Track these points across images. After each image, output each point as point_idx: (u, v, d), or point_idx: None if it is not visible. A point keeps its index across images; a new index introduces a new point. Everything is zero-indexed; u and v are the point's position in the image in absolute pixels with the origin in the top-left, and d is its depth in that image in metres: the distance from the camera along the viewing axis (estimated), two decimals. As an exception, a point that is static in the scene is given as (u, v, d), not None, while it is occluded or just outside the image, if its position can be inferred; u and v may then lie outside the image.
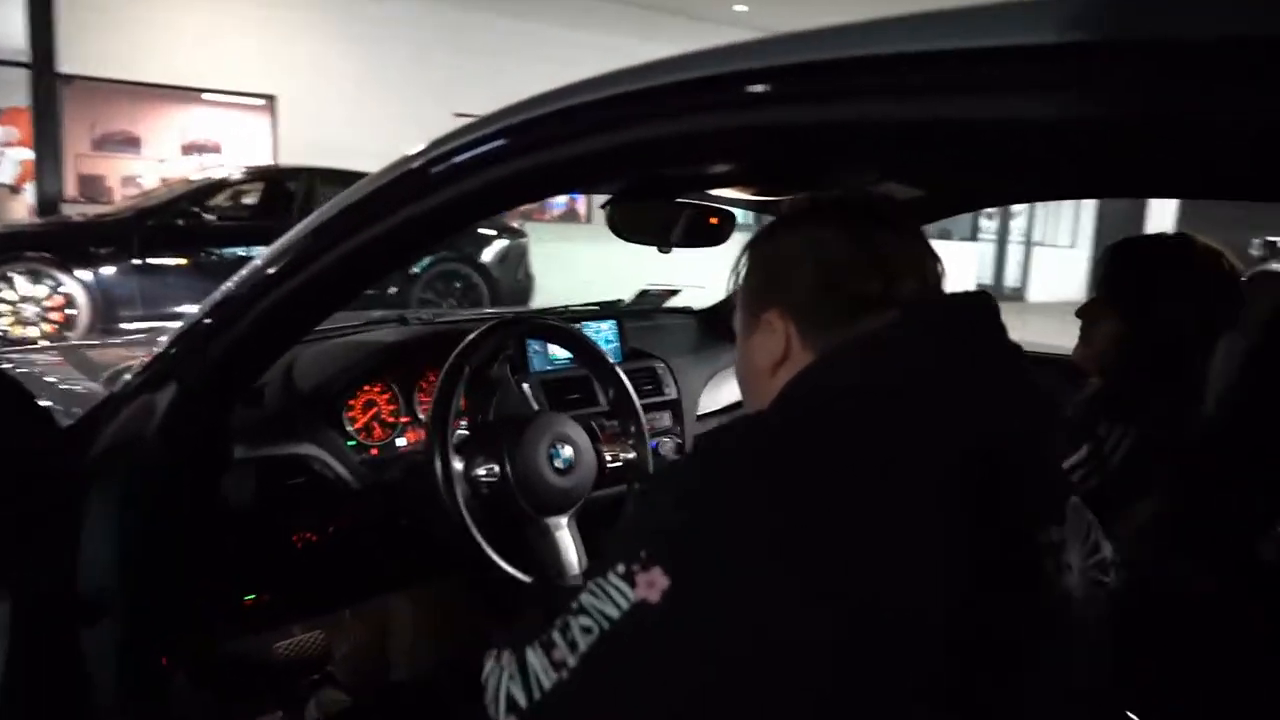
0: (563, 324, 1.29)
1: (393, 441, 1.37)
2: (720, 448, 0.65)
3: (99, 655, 1.14)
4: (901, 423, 0.62)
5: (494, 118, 0.80)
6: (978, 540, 0.61)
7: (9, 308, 5.45)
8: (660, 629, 0.60)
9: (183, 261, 5.94)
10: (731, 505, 0.61)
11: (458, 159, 0.82)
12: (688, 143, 0.70)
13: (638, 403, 1.33)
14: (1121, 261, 1.37)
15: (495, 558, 1.09)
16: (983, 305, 0.72)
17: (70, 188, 9.21)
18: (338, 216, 0.91)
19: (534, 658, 0.65)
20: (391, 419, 1.38)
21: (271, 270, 0.96)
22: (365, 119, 9.32)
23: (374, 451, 1.35)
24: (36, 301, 5.53)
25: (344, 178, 6.75)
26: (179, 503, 1.12)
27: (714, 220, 1.55)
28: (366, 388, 1.37)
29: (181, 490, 1.12)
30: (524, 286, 7.45)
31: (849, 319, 0.71)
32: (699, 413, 1.82)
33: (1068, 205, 14.77)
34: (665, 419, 1.75)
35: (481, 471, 1.13)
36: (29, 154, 8.59)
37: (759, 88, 0.62)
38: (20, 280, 5.49)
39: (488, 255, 7.08)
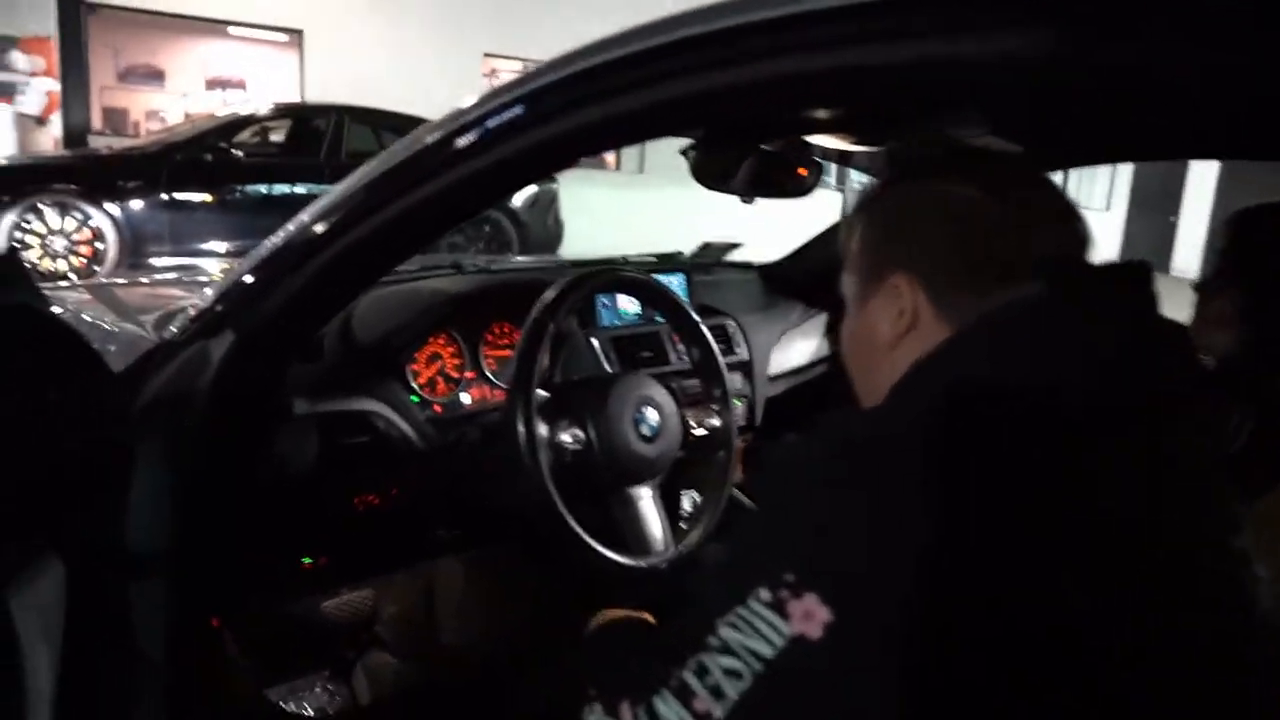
0: (644, 277, 1.18)
1: (457, 398, 1.28)
2: (863, 443, 0.56)
3: (148, 612, 1.08)
4: (1066, 423, 0.53)
5: (554, 65, 0.74)
6: (1161, 550, 0.54)
7: (37, 240, 5.38)
8: (826, 669, 0.51)
9: (209, 198, 5.84)
10: (890, 517, 0.52)
11: (515, 111, 0.75)
12: (766, 89, 0.63)
13: (723, 364, 1.23)
14: (1246, 231, 1.24)
15: (580, 531, 1.00)
16: (1139, 277, 0.62)
17: (96, 120, 9.10)
18: (396, 170, 0.83)
19: (667, 709, 0.56)
20: (456, 374, 1.28)
21: (327, 224, 0.87)
22: (394, 57, 9.12)
23: (437, 408, 1.26)
24: (65, 235, 5.46)
25: (373, 116, 6.61)
26: (233, 459, 1.04)
27: (802, 170, 1.43)
28: (431, 340, 1.27)
29: (236, 446, 1.03)
30: (554, 234, 7.32)
31: (988, 286, 0.62)
32: (770, 373, 1.72)
33: (1102, 167, 14.36)
34: (736, 381, 1.64)
35: (566, 437, 1.03)
36: (54, 84, 8.46)
37: (849, 25, 0.56)
38: (49, 212, 5.41)
39: (518, 200, 6.94)
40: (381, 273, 0.94)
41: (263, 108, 6.64)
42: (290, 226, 0.94)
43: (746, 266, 2.09)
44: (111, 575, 0.98)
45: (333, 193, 0.90)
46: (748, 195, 1.43)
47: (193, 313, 1.03)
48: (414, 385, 1.24)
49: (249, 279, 0.98)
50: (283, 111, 6.72)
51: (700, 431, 1.19)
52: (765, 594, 0.53)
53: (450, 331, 1.28)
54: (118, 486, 0.97)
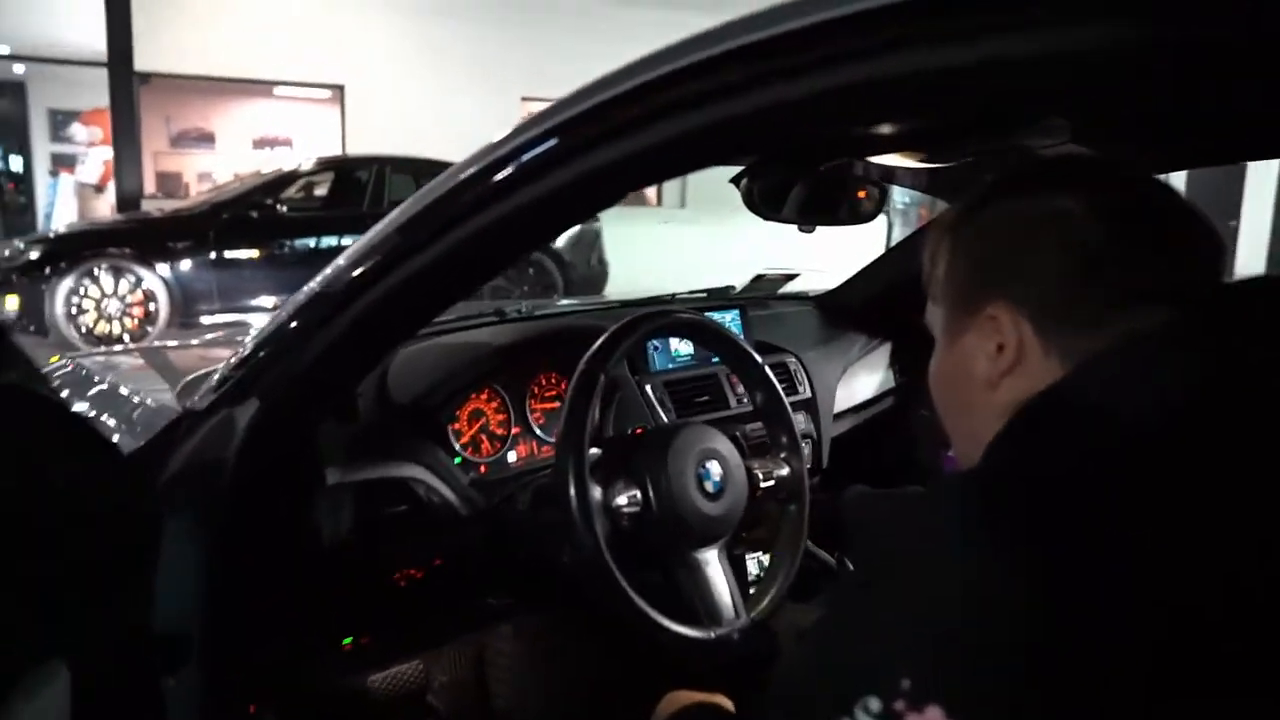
0: (700, 317, 1.09)
1: (503, 457, 1.19)
2: (977, 509, 0.47)
3: (182, 706, 1.00)
4: (1213, 478, 0.45)
5: (588, 91, 0.66)
6: None
7: (93, 304, 5.49)
8: None
9: (256, 254, 5.91)
10: (1019, 603, 0.42)
11: (550, 143, 0.68)
12: (826, 101, 0.55)
13: (788, 405, 1.12)
14: None
15: (641, 603, 0.90)
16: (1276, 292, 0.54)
17: (150, 185, 9.37)
18: (429, 210, 0.75)
19: None
20: (501, 430, 1.20)
21: (358, 272, 0.80)
22: (433, 106, 9.24)
23: (482, 469, 1.17)
24: (119, 297, 5.55)
25: (413, 166, 6.67)
26: (264, 535, 0.96)
27: (862, 194, 1.33)
28: (473, 396, 1.19)
29: (267, 521, 0.96)
30: (598, 273, 7.28)
31: (1104, 315, 0.54)
32: (835, 411, 1.61)
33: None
34: (800, 421, 1.53)
35: (623, 500, 0.93)
36: (111, 153, 8.76)
37: (920, 23, 0.49)
38: (104, 276, 5.52)
39: (560, 241, 6.93)
40: (418, 325, 0.87)
41: (306, 163, 6.74)
42: (315, 282, 0.87)
43: (803, 298, 1.99)
44: (133, 671, 0.91)
45: (363, 240, 0.83)
46: (805, 223, 1.33)
47: (215, 380, 0.96)
48: (456, 446, 1.15)
49: (275, 339, 0.90)
50: (325, 165, 6.82)
51: (768, 483, 1.09)
52: (874, 703, 0.43)
53: (493, 386, 1.20)
54: (141, 572, 0.90)
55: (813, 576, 1.34)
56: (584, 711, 1.49)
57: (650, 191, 11.75)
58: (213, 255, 5.76)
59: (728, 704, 0.90)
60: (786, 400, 1.14)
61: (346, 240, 6.15)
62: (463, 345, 1.19)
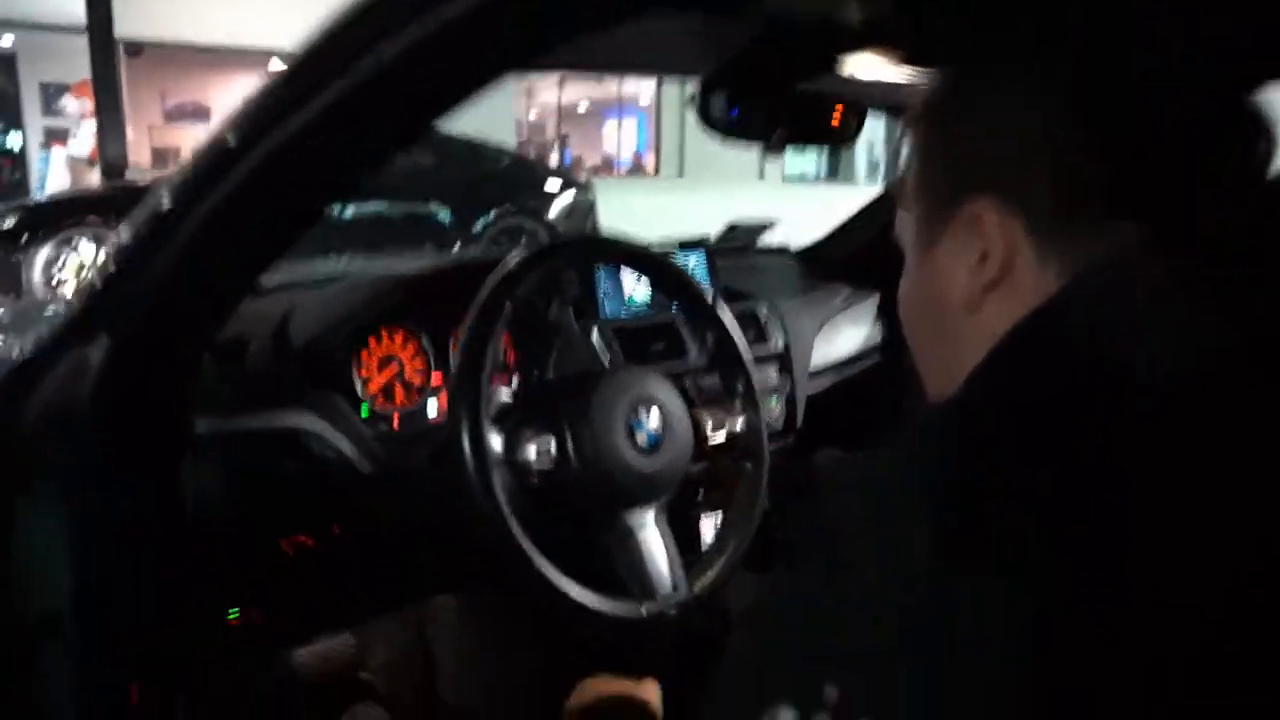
0: (636, 244, 0.93)
1: (422, 409, 1.04)
2: (940, 451, 0.38)
3: (54, 688, 0.87)
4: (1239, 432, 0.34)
5: None
6: None
7: (73, 273, 5.36)
8: None
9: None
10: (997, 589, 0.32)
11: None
12: None
13: (746, 351, 0.97)
14: None
15: (549, 571, 0.76)
16: None
17: (145, 159, 9.23)
18: (255, 107, 0.61)
19: None
20: (419, 379, 1.05)
21: (187, 180, 0.65)
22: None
23: (395, 424, 1.03)
24: (98, 265, 5.42)
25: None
26: (127, 494, 0.82)
27: (837, 111, 1.18)
28: (385, 335, 1.04)
29: (129, 478, 0.82)
30: (592, 243, 7.12)
31: (1093, 228, 0.43)
32: (812, 367, 1.45)
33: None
34: (771, 375, 1.38)
35: (531, 452, 0.78)
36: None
37: None
38: (83, 244, 5.38)
39: (554, 211, 6.77)
40: (269, 248, 0.71)
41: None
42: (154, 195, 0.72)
43: (782, 251, 1.84)
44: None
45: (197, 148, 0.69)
46: (772, 144, 1.17)
47: (63, 313, 0.82)
48: (360, 394, 1.01)
49: (119, 262, 0.76)
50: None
51: (718, 438, 0.94)
52: (788, 717, 0.33)
53: (408, 327, 1.05)
54: None
55: (780, 547, 1.20)
56: (535, 696, 1.36)
57: (648, 161, 11.57)
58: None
59: (651, 695, 0.77)
60: (746, 345, 0.99)
61: (335, 209, 6.00)
62: (373, 280, 1.04)
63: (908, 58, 0.87)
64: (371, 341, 1.03)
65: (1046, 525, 0.32)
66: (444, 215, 6.31)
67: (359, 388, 1.01)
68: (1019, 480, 0.33)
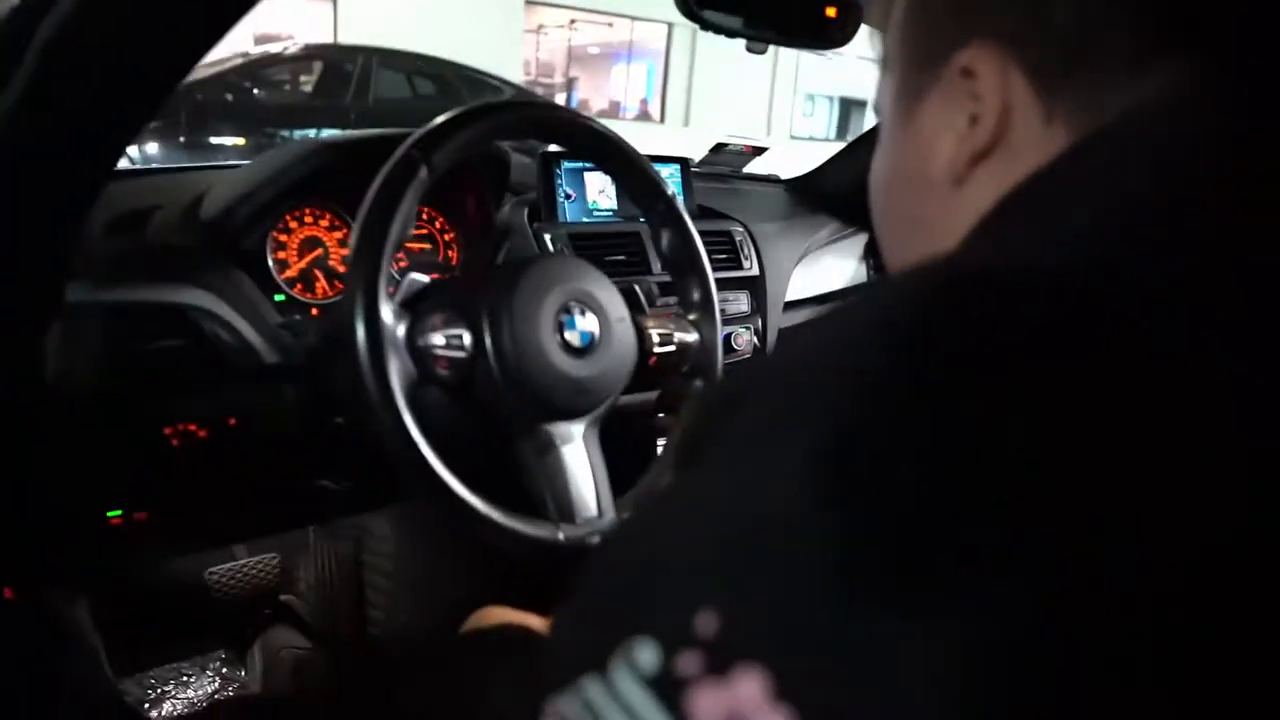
0: (580, 116, 0.81)
1: None
2: (871, 358, 0.25)
3: None
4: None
5: None
6: None
7: None
8: None
9: (230, 140, 5.59)
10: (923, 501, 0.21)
11: None
12: None
13: (704, 254, 0.86)
14: None
15: (451, 480, 0.66)
16: None
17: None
18: None
19: None
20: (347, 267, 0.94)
21: None
22: (431, 7, 8.77)
23: (314, 312, 0.92)
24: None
25: (405, 60, 6.32)
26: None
27: (831, 10, 1.07)
28: (309, 215, 0.93)
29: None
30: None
31: (1146, 61, 0.33)
32: (787, 298, 1.35)
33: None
34: (742, 302, 1.28)
35: (437, 338, 0.68)
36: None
37: None
38: (65, 154, 5.22)
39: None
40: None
41: (291, 48, 6.37)
42: None
43: (771, 179, 1.72)
44: None
45: None
46: (755, 39, 1.06)
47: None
48: (277, 278, 0.90)
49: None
50: (310, 53, 6.44)
51: (666, 349, 0.83)
52: (648, 658, 0.22)
53: (335, 206, 0.94)
54: None
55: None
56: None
57: (654, 108, 11.31)
58: (183, 139, 5.44)
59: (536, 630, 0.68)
60: (705, 254, 0.88)
61: (329, 133, 5.84)
62: (296, 144, 0.92)
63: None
64: (292, 221, 0.92)
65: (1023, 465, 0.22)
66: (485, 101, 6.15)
67: (274, 270, 0.91)
68: (992, 397, 0.23)
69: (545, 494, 0.74)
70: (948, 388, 0.23)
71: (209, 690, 1.24)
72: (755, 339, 1.27)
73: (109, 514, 0.83)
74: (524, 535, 0.70)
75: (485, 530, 0.69)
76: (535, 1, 8.92)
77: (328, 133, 5.87)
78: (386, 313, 0.65)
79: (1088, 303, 0.24)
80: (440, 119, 0.71)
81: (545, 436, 0.74)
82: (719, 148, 1.65)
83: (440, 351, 0.68)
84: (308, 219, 0.93)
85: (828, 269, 1.46)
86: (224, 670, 1.28)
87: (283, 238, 0.92)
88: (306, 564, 1.36)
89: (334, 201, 0.93)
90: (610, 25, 11.73)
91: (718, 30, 1.02)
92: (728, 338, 1.23)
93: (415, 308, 0.71)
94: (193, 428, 0.81)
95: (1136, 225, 0.27)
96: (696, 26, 0.92)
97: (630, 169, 0.83)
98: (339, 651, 1.25)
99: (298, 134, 5.87)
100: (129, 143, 0.69)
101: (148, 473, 0.82)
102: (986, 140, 0.35)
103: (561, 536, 0.72)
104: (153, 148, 5.40)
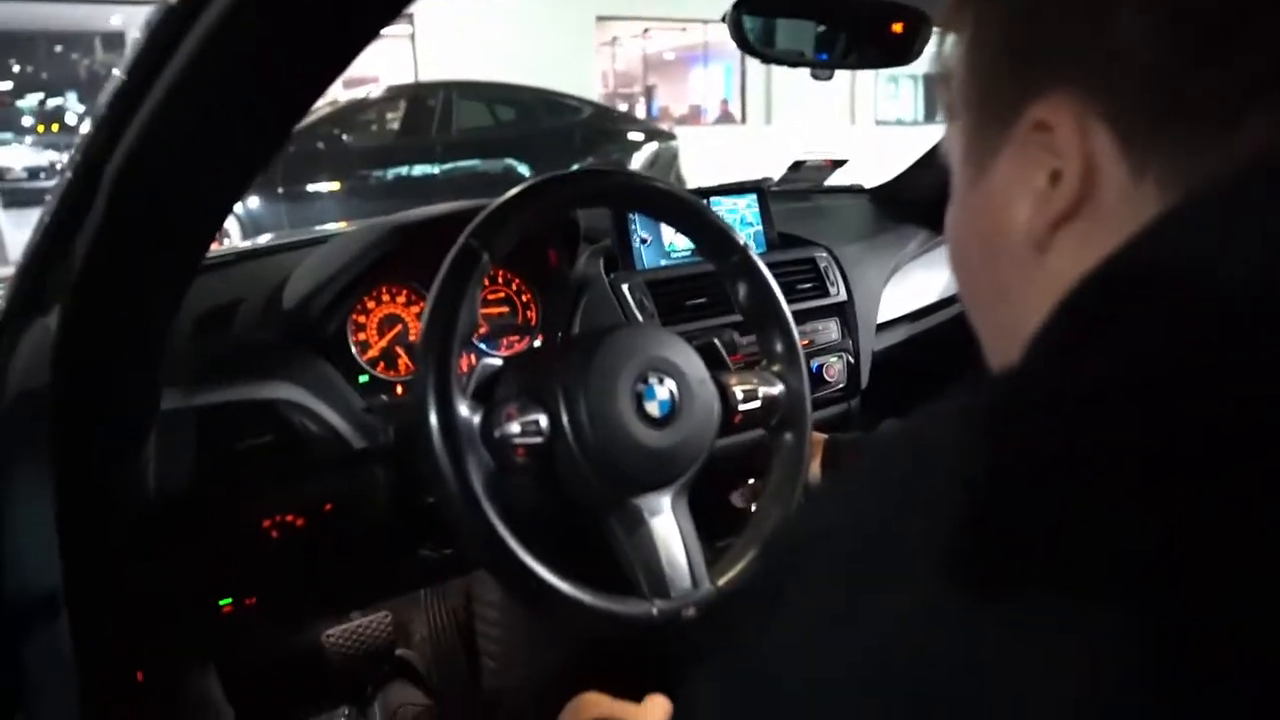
0: (647, 179, 0.79)
1: None
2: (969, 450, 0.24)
3: (55, 679, 0.82)
4: None
5: None
6: None
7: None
8: None
9: (325, 187, 5.82)
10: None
11: None
12: None
13: (783, 302, 0.83)
14: None
15: (537, 567, 0.65)
16: None
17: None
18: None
19: None
20: None
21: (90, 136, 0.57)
22: (504, 28, 8.94)
23: (399, 391, 0.93)
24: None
25: (483, 90, 6.46)
26: (105, 475, 0.75)
27: (896, 27, 1.02)
28: (386, 293, 0.94)
29: (102, 457, 0.75)
30: (675, 195, 6.96)
31: (1246, 111, 0.29)
32: (879, 320, 1.29)
33: None
34: (831, 330, 1.23)
35: (514, 427, 0.67)
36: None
37: None
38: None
39: (637, 162, 6.61)
40: (215, 188, 0.61)
41: (375, 91, 6.60)
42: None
43: (854, 190, 1.66)
44: None
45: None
46: (822, 68, 1.02)
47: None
48: (358, 359, 0.91)
49: (50, 221, 0.68)
50: (394, 93, 6.65)
51: (750, 406, 0.80)
52: None
53: (414, 283, 0.94)
54: None
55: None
56: (576, 687, 1.28)
57: (735, 108, 11.20)
58: (280, 190, 5.69)
59: (657, 713, 0.65)
60: (783, 298, 0.85)
61: (417, 170, 6.01)
62: (369, 226, 0.93)
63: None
64: (370, 302, 0.94)
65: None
66: (524, 171, 6.24)
67: (355, 352, 0.92)
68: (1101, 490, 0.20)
69: (637, 570, 0.72)
70: None
71: (337, 749, 1.28)
72: (847, 367, 1.22)
73: (220, 602, 0.86)
74: (618, 614, 0.69)
75: (577, 614, 0.67)
76: (607, 17, 8.96)
77: (418, 169, 6.02)
78: (461, 407, 0.64)
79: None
80: (496, 203, 0.70)
81: (633, 511, 0.72)
82: (797, 165, 1.60)
83: (518, 440, 0.67)
84: (384, 297, 0.94)
85: (920, 283, 1.39)
86: (350, 727, 1.31)
87: (361, 319, 0.93)
88: (419, 620, 1.39)
89: (410, 279, 0.94)
90: (684, 30, 11.71)
91: (781, 62, 0.99)
92: (819, 369, 1.19)
93: (490, 395, 0.70)
94: (290, 518, 0.83)
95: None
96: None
97: (697, 223, 0.81)
98: (455, 708, 1.27)
99: (389, 173, 6.07)
100: (204, 253, 0.71)
101: (251, 563, 0.84)
102: (1070, 200, 0.31)
103: (655, 612, 0.70)
104: (254, 201, 5.67)
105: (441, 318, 0.65)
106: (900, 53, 1.00)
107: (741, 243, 0.82)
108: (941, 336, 1.44)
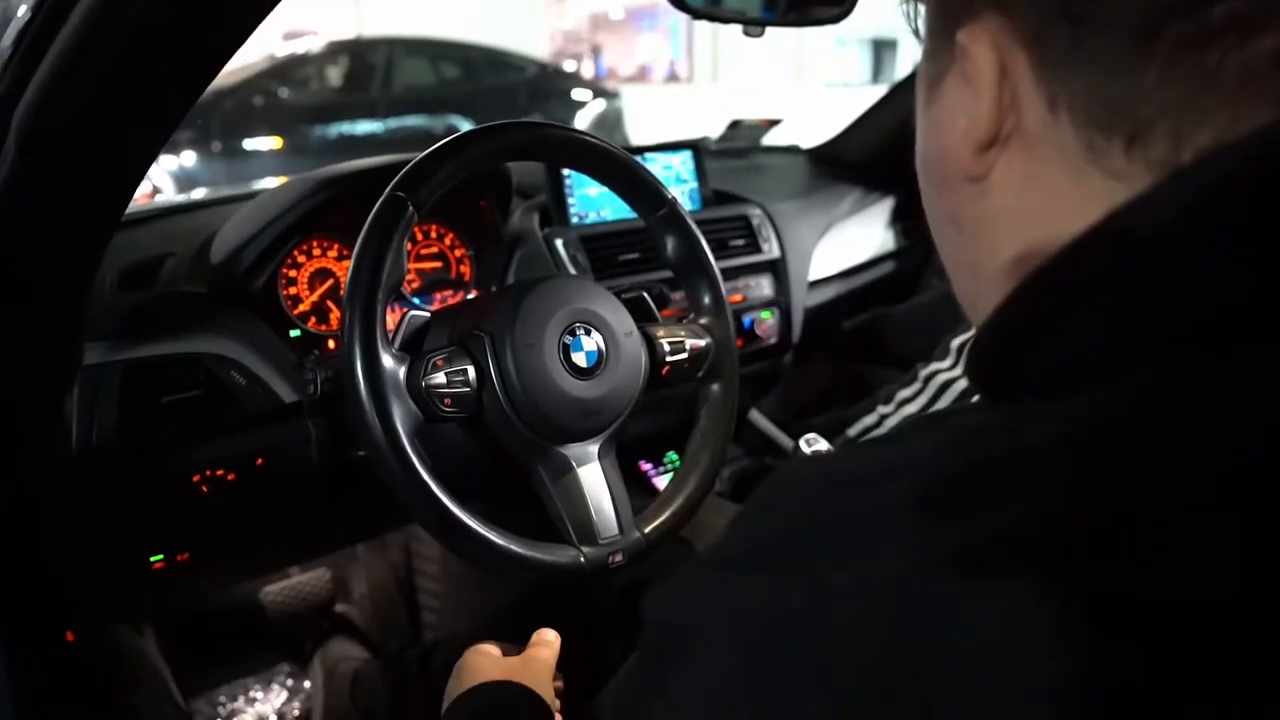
0: (570, 130, 0.79)
1: None
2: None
3: None
4: None
5: None
6: None
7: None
8: None
9: (263, 143, 5.66)
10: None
11: None
12: None
13: (710, 255, 0.84)
14: None
15: (465, 517, 0.66)
16: None
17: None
18: None
19: None
20: None
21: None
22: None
23: (332, 345, 0.93)
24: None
25: (427, 47, 6.32)
26: (13, 430, 0.74)
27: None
28: (317, 246, 0.94)
29: (13, 412, 0.73)
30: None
31: (1135, 52, 0.26)
32: (811, 278, 1.32)
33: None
34: (764, 286, 1.25)
35: (440, 379, 0.68)
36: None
37: None
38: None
39: (582, 120, 6.54)
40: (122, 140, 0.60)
41: (315, 46, 6.40)
42: None
43: (791, 150, 1.68)
44: None
45: None
46: (753, 24, 1.02)
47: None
48: (289, 313, 0.91)
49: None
50: (335, 48, 6.46)
51: (678, 356, 0.82)
52: None
53: (344, 237, 0.94)
54: None
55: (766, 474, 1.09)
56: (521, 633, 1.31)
57: (683, 67, 11.12)
58: (217, 146, 5.52)
59: (544, 652, 0.68)
60: (710, 252, 0.86)
61: (360, 127, 5.86)
62: (296, 180, 0.92)
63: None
64: (300, 256, 0.93)
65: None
66: (467, 128, 6.13)
67: (286, 306, 0.92)
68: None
69: (564, 517, 0.74)
70: None
71: (277, 704, 1.29)
72: (780, 321, 1.25)
73: (151, 559, 0.86)
74: (545, 563, 0.70)
75: (506, 562, 0.69)
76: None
77: (360, 127, 5.88)
78: (386, 357, 0.65)
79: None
80: (421, 155, 0.70)
81: (560, 460, 0.74)
82: (735, 124, 1.61)
83: (444, 390, 0.68)
84: (315, 251, 0.94)
85: (853, 240, 1.42)
86: (289, 683, 1.32)
87: (292, 273, 0.92)
88: (358, 575, 1.40)
89: (340, 233, 0.93)
90: (631, -14, 11.53)
91: (709, 18, 0.99)
92: (751, 325, 1.21)
93: (418, 346, 0.71)
94: (220, 472, 0.83)
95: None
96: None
97: (625, 177, 0.81)
98: (394, 662, 1.28)
99: (331, 130, 5.92)
100: (127, 201, 0.70)
101: (182, 519, 0.84)
102: (987, 128, 0.30)
103: (583, 559, 0.72)
104: (189, 158, 5.49)
105: (367, 267, 0.65)
106: (829, 14, 1.01)
107: (669, 196, 0.83)
108: (872, 293, 1.48)
